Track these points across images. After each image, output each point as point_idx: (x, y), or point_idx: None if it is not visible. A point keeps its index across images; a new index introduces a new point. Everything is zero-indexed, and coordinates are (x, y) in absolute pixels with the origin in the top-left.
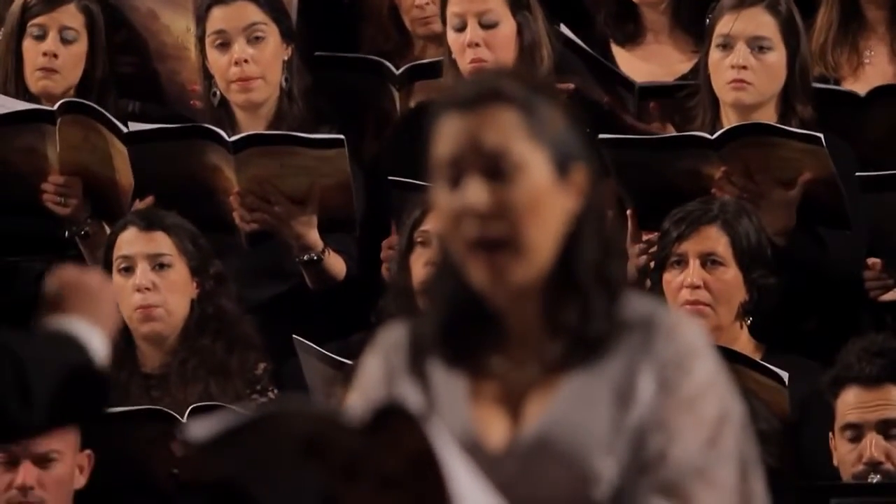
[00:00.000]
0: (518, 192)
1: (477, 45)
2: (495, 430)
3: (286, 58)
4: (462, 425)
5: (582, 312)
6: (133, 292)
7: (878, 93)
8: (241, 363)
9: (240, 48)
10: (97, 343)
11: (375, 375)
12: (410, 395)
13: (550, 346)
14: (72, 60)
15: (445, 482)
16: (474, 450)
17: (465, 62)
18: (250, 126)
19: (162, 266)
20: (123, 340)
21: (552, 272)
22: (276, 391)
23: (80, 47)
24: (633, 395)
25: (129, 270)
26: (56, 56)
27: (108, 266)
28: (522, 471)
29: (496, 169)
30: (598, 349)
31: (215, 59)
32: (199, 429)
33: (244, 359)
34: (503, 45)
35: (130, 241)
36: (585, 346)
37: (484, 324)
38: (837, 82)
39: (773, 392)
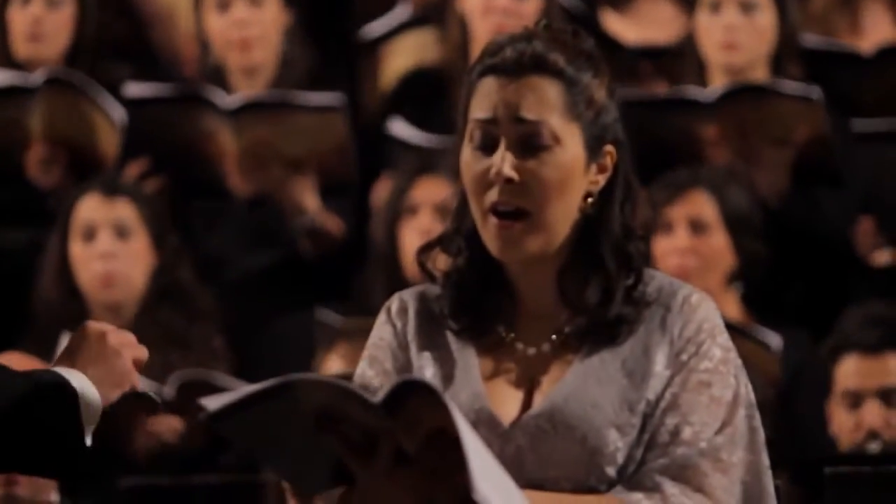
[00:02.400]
0: (547, 168)
1: (506, 11)
2: (507, 403)
3: (287, 24)
4: (474, 397)
5: (604, 293)
6: (94, 260)
7: (881, 54)
8: (200, 335)
9: (239, 9)
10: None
11: (388, 345)
12: (424, 365)
13: (567, 322)
14: (58, 25)
15: (463, 458)
16: (486, 422)
17: (484, 25)
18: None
19: (123, 234)
20: (79, 309)
21: (573, 250)
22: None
23: (67, 12)
24: (648, 374)
25: (90, 237)
26: (42, 21)
27: (64, 232)
28: (533, 445)
29: (529, 141)
30: (616, 328)
31: (214, 21)
32: (215, 400)
33: (204, 331)
34: (529, 16)
35: (92, 208)
36: (604, 326)
37: (499, 295)
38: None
39: (765, 359)
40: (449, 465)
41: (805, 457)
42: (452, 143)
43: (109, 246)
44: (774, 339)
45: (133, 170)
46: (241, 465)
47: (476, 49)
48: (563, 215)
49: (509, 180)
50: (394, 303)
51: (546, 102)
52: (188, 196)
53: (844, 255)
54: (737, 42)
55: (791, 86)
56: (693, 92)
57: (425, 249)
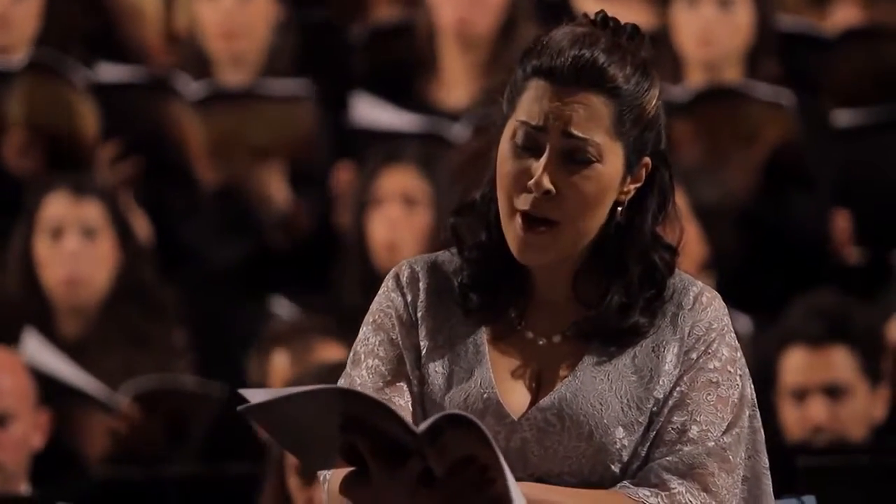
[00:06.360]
0: (585, 182)
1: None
2: (515, 393)
3: (277, 17)
4: (484, 386)
5: (623, 302)
6: (60, 261)
7: (846, 36)
8: (161, 334)
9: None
10: None
11: (396, 314)
12: (432, 349)
13: (579, 316)
14: (24, 13)
15: (489, 486)
16: (494, 413)
17: (450, 13)
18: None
19: (90, 235)
20: (41, 306)
21: (594, 252)
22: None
23: (35, 1)
24: (657, 372)
25: (56, 237)
26: (9, 10)
27: (29, 227)
28: (539, 438)
29: (573, 155)
30: (630, 337)
31: (201, 11)
32: (257, 395)
33: (164, 329)
34: (495, 5)
35: (61, 206)
36: (618, 332)
37: (514, 281)
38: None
39: None
40: (473, 491)
41: (779, 446)
42: (491, 119)
43: (76, 247)
44: (742, 323)
45: (106, 152)
46: (204, 461)
47: (441, 35)
48: (591, 227)
49: (546, 192)
50: (404, 271)
51: (597, 120)
52: (157, 185)
53: (815, 253)
54: (713, 37)
55: (763, 90)
56: (667, 92)
57: (459, 213)
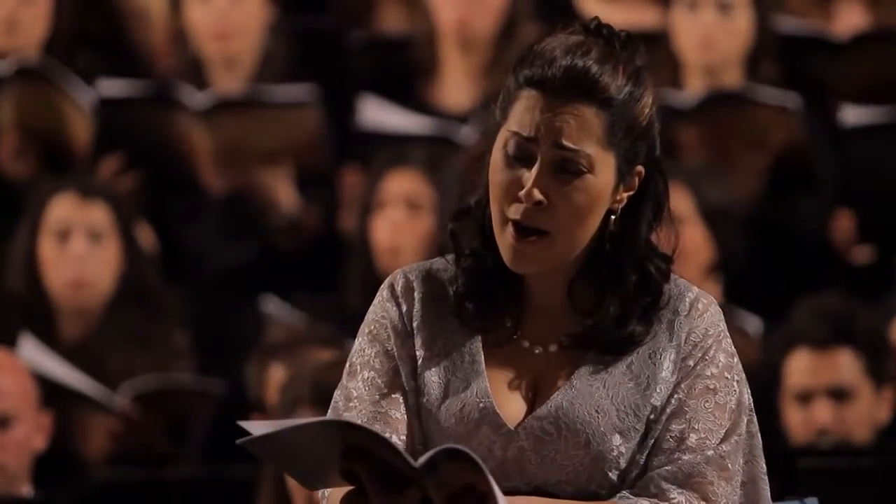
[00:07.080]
0: (577, 192)
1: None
2: (511, 402)
3: (269, 20)
4: (480, 395)
5: (620, 312)
6: (67, 263)
7: (857, 40)
8: (162, 335)
9: (220, 0)
10: None
11: (392, 325)
12: (428, 358)
13: (575, 325)
14: (33, 17)
15: None
16: (490, 423)
17: (446, 18)
18: (226, 86)
19: (96, 237)
20: (44, 307)
21: (589, 260)
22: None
23: (43, 4)
24: (654, 380)
25: (63, 239)
26: (17, 13)
27: (34, 228)
28: (536, 447)
29: (564, 165)
30: (626, 346)
31: (195, 12)
32: (259, 428)
33: (166, 330)
34: (495, 4)
35: (68, 208)
36: (615, 342)
37: (509, 289)
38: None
39: (742, 343)
40: None
41: (782, 449)
42: (486, 127)
43: (83, 250)
44: (753, 324)
45: (107, 167)
46: (204, 460)
47: (442, 37)
48: (583, 236)
49: (537, 202)
50: (398, 281)
51: (588, 131)
52: (162, 194)
53: (821, 255)
54: (713, 42)
55: (769, 93)
56: (672, 97)
57: (457, 218)
